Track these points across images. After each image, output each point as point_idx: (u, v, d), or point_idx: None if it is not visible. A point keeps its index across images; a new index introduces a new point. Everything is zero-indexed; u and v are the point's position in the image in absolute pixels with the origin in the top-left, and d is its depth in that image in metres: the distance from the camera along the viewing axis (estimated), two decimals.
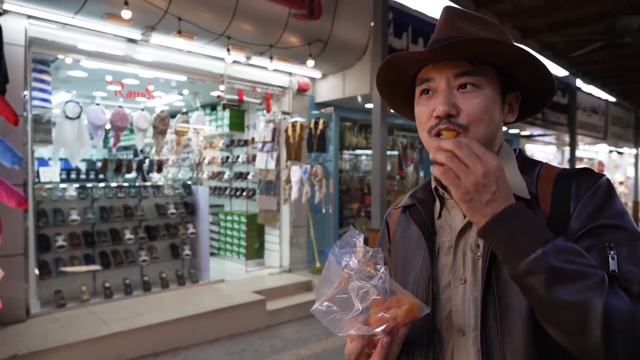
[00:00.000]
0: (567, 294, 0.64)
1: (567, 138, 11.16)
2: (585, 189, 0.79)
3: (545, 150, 13.50)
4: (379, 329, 0.74)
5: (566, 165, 12.19)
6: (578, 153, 12.92)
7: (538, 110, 0.95)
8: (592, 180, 0.80)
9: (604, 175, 0.82)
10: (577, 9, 7.10)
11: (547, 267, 0.65)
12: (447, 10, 0.89)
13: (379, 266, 0.78)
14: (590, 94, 11.92)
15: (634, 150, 15.59)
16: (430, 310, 0.82)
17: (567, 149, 12.11)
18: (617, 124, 13.79)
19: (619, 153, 17.64)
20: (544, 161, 0.91)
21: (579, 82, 11.06)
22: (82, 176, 8.32)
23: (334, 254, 0.81)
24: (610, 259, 0.71)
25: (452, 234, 0.88)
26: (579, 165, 13.73)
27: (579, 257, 0.67)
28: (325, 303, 0.78)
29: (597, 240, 0.74)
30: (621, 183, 17.43)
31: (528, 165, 0.89)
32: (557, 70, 10.14)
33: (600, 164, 16.27)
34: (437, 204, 0.93)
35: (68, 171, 8.14)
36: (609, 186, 0.80)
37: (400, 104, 1.00)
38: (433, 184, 0.94)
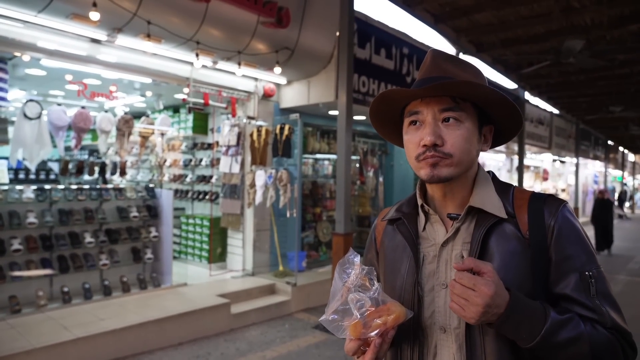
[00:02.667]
0: (563, 353, 0.89)
1: (515, 147, 11.84)
2: (555, 216, 0.96)
3: (495, 158, 14.22)
4: (372, 333, 0.90)
5: (515, 174, 12.89)
6: (525, 161, 13.71)
7: (506, 141, 1.12)
8: (559, 206, 0.98)
9: (567, 202, 1.00)
10: (526, 27, 7.62)
11: (546, 346, 0.87)
12: (433, 52, 1.03)
13: (373, 281, 0.94)
14: (537, 106, 12.70)
15: (574, 160, 16.68)
16: (415, 311, 0.99)
17: (515, 157, 12.83)
18: (560, 135, 14.75)
19: (562, 162, 18.82)
20: (513, 183, 1.09)
21: (527, 95, 11.78)
22: (32, 176, 8.00)
23: (337, 272, 0.96)
24: (591, 286, 0.93)
25: (435, 246, 1.03)
26: (526, 173, 14.55)
27: (567, 325, 0.87)
28: (331, 315, 0.93)
29: (579, 269, 0.94)
30: (563, 190, 18.61)
31: (503, 188, 1.05)
32: (507, 83, 10.76)
33: (545, 172, 17.29)
34: (422, 218, 1.07)
35: (17, 171, 7.80)
36: (572, 214, 0.99)
37: (388, 132, 1.15)
38: (420, 201, 1.08)
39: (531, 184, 16.32)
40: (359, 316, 0.89)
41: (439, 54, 1.03)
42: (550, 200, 1.00)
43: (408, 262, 1.04)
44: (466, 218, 1.01)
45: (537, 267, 0.94)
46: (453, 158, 0.95)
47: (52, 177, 8.25)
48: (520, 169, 11.59)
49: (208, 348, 4.49)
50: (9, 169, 7.30)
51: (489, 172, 1.09)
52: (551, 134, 13.77)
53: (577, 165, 16.64)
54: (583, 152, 17.31)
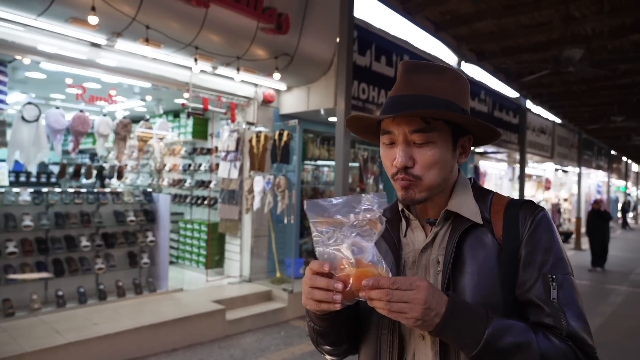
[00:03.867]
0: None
1: (517, 156, 11.80)
2: (530, 220, 0.96)
3: (497, 166, 14.17)
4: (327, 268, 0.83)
5: (516, 182, 12.84)
6: (527, 170, 13.64)
7: (484, 145, 1.11)
8: (534, 212, 0.97)
9: (543, 208, 0.99)
10: (527, 36, 7.62)
11: (492, 350, 0.84)
12: (404, 66, 1.01)
13: (374, 236, 0.85)
14: (539, 115, 12.67)
15: (577, 169, 16.61)
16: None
17: (517, 166, 12.78)
18: (563, 144, 14.70)
19: (564, 171, 18.74)
20: (494, 190, 1.08)
21: (529, 104, 11.75)
22: (33, 179, 8.01)
23: (369, 197, 0.87)
24: (552, 289, 0.90)
25: (415, 251, 1.02)
26: (528, 183, 14.49)
27: (512, 330, 0.85)
28: (324, 224, 0.86)
29: (543, 271, 0.92)
30: (565, 199, 18.51)
31: (482, 194, 1.04)
32: (508, 92, 10.75)
33: (547, 181, 17.22)
34: (404, 223, 1.07)
35: (17, 173, 7.82)
36: (548, 220, 0.97)
37: (370, 138, 1.14)
38: (400, 207, 1.07)
39: (533, 193, 16.25)
40: (349, 257, 0.83)
41: (410, 67, 1.00)
42: (526, 206, 0.99)
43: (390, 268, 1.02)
44: (445, 223, 1.01)
45: (508, 273, 0.93)
46: (422, 181, 0.96)
47: (53, 180, 8.27)
48: (522, 178, 11.54)
49: (202, 354, 4.45)
50: (10, 171, 7.32)
51: (470, 178, 1.09)
52: (553, 143, 13.73)
53: (579, 174, 16.56)
54: (586, 161, 17.24)
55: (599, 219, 10.24)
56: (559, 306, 0.89)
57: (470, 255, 0.95)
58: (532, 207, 0.99)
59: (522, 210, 0.98)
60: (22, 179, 7.97)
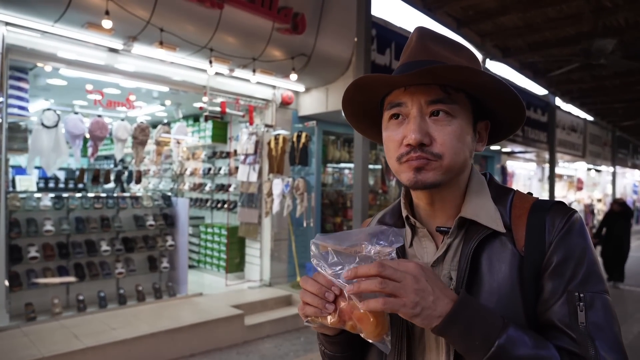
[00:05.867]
0: None
1: (546, 155, 11.37)
2: (560, 225, 0.79)
3: (525, 167, 13.72)
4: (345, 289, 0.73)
5: (546, 183, 12.40)
6: (557, 170, 13.14)
7: (504, 138, 0.95)
8: (565, 216, 0.80)
9: (576, 211, 0.82)
10: (555, 30, 7.31)
11: (505, 358, 0.69)
12: (419, 31, 0.87)
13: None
14: (569, 113, 12.19)
15: (611, 169, 15.94)
16: (402, 347, 0.84)
17: (547, 166, 12.34)
18: (595, 143, 14.11)
19: (597, 171, 18.02)
20: (515, 188, 0.91)
21: (558, 101, 11.32)
22: (61, 185, 8.17)
23: (382, 230, 0.80)
24: (579, 311, 0.74)
25: None
26: (558, 183, 13.96)
27: (532, 342, 0.71)
28: (331, 249, 0.78)
29: (569, 288, 0.76)
30: (599, 200, 17.80)
31: (500, 194, 0.88)
32: (536, 89, 10.37)
33: (579, 181, 16.58)
34: (408, 231, 0.92)
35: (46, 180, 7.98)
36: (582, 225, 0.80)
37: (364, 126, 0.99)
38: (404, 213, 0.92)
39: (564, 193, 15.67)
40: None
41: (426, 33, 0.86)
42: (556, 208, 0.82)
43: None
44: (459, 232, 0.85)
45: (532, 292, 0.78)
46: (443, 160, 0.79)
47: (80, 186, 8.42)
48: (552, 178, 11.10)
49: None
50: (40, 177, 7.47)
51: (484, 173, 0.92)
52: (585, 141, 13.19)
53: (614, 174, 15.88)
54: (620, 160, 16.52)
55: (619, 220, 8.61)
56: (587, 332, 0.73)
57: (487, 270, 0.80)
58: (563, 209, 0.82)
59: (551, 213, 0.81)
60: (51, 185, 8.13)
